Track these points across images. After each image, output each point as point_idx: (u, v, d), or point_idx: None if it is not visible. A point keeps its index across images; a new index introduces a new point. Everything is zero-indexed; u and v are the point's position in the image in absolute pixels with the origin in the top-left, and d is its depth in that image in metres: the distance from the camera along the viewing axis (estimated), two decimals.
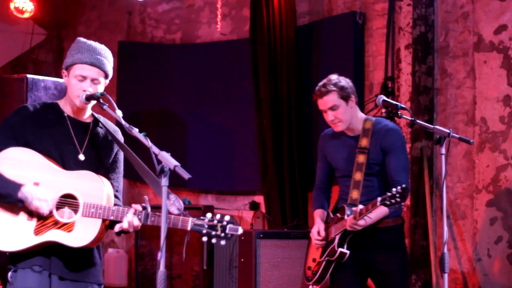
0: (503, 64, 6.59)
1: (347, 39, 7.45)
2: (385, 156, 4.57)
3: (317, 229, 4.68)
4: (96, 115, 3.77)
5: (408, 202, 6.85)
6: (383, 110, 7.03)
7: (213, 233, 3.46)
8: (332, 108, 4.58)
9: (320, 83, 4.66)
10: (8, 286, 3.59)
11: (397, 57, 7.06)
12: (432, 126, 4.28)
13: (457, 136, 4.25)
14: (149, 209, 3.53)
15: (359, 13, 7.44)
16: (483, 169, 6.66)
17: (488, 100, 6.66)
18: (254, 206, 8.13)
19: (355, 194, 4.56)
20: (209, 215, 3.50)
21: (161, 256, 3.14)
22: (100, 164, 3.69)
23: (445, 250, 4.04)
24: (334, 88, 4.58)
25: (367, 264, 4.60)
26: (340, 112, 4.58)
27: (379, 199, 4.27)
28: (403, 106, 4.29)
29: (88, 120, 3.73)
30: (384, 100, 4.38)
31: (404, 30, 7.00)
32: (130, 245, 8.91)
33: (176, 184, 7.70)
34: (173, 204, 3.46)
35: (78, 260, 3.63)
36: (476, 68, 6.74)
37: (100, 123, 3.75)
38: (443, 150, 4.13)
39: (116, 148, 3.77)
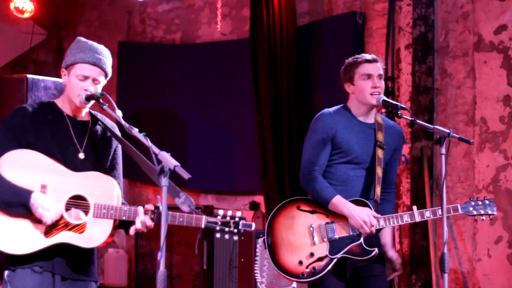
0: (503, 64, 6.59)
1: (347, 39, 7.45)
2: (391, 156, 4.50)
3: (371, 214, 4.27)
4: (93, 112, 3.76)
5: (407, 202, 6.86)
6: (383, 110, 7.03)
7: (227, 229, 3.51)
8: (380, 77, 4.39)
9: (361, 55, 4.44)
10: (4, 286, 3.56)
11: (397, 57, 7.06)
12: (432, 126, 4.27)
13: (457, 136, 4.24)
14: (161, 208, 3.52)
15: (359, 13, 7.44)
16: (483, 169, 6.66)
17: (488, 100, 6.67)
18: (254, 206, 8.14)
19: (378, 190, 4.38)
20: (221, 211, 3.54)
21: (161, 256, 3.14)
22: (100, 162, 3.69)
23: (445, 250, 4.04)
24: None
25: (350, 268, 4.37)
26: (383, 84, 4.41)
27: (459, 206, 4.26)
28: (403, 106, 4.27)
29: (86, 119, 3.72)
30: (384, 100, 4.37)
31: (404, 30, 7.00)
32: (130, 245, 8.91)
33: (176, 184, 7.70)
34: (184, 202, 3.46)
35: (80, 259, 3.63)
36: (476, 68, 6.74)
37: (98, 121, 3.74)
38: (443, 150, 4.12)
39: (114, 145, 3.76)
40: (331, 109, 4.45)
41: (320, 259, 4.29)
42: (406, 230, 6.88)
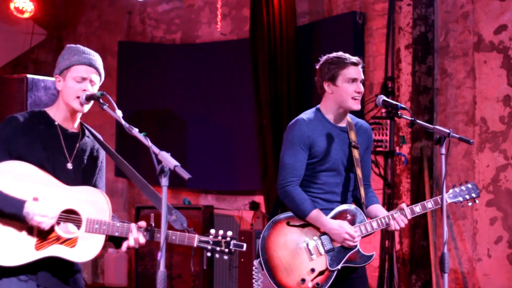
0: (503, 64, 6.59)
1: (347, 39, 7.45)
2: (364, 154, 4.44)
3: (350, 229, 4.20)
4: (84, 124, 3.75)
5: (407, 202, 6.86)
6: (383, 110, 7.04)
7: (218, 249, 3.54)
8: (362, 81, 4.31)
9: (344, 54, 4.33)
10: None
11: (397, 57, 7.06)
12: (432, 126, 4.26)
13: (457, 136, 4.24)
14: (154, 225, 3.54)
15: (359, 13, 7.44)
16: (483, 169, 6.66)
17: (488, 100, 6.67)
18: (254, 206, 8.13)
19: (363, 192, 4.35)
20: (212, 231, 3.56)
21: (161, 256, 3.14)
22: (88, 173, 3.69)
23: (445, 250, 4.04)
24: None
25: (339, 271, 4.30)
26: (363, 88, 4.34)
27: (449, 195, 4.25)
28: (403, 106, 4.26)
29: (77, 130, 3.71)
30: (384, 100, 4.35)
31: (404, 30, 7.00)
32: None
33: (176, 184, 7.71)
34: (177, 220, 3.46)
35: (65, 270, 3.62)
36: (476, 68, 6.74)
37: (88, 133, 3.74)
38: (443, 150, 4.11)
39: (101, 156, 3.76)
40: (305, 116, 4.36)
41: (321, 273, 4.23)
42: (406, 230, 6.88)
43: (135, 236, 3.53)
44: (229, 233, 3.55)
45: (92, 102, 3.62)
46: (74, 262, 3.65)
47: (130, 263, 8.93)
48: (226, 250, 3.53)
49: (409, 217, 4.29)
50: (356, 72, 4.30)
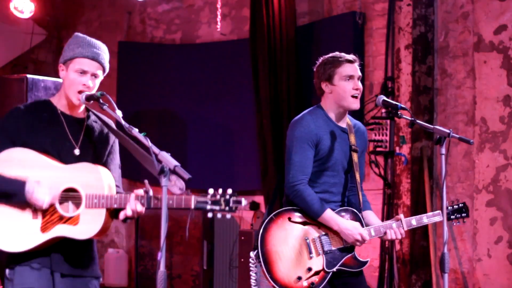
0: (503, 64, 6.60)
1: (347, 39, 7.45)
2: (359, 158, 4.42)
3: (363, 230, 4.25)
4: (90, 109, 3.76)
5: (407, 202, 6.86)
6: (383, 110, 7.04)
7: (217, 207, 3.41)
8: (359, 78, 4.31)
9: (339, 54, 4.33)
10: (7, 283, 3.59)
11: (397, 57, 7.06)
12: (432, 126, 4.26)
13: (457, 136, 4.25)
14: (151, 192, 3.50)
15: (359, 13, 7.45)
16: (483, 169, 6.66)
17: (488, 100, 6.67)
18: (254, 206, 8.13)
19: (361, 197, 4.36)
20: (211, 190, 3.42)
21: (161, 256, 3.14)
22: (97, 157, 3.70)
23: (445, 250, 4.04)
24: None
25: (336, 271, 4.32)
26: (361, 85, 4.33)
27: (443, 212, 4.25)
28: (403, 106, 4.26)
29: (82, 115, 3.73)
30: (384, 100, 4.35)
31: (404, 30, 7.00)
32: (130, 245, 8.92)
33: None
34: (174, 184, 3.42)
35: (78, 256, 3.65)
36: (476, 68, 6.74)
37: (93, 117, 3.75)
38: (443, 150, 4.12)
39: (111, 140, 3.77)
40: (309, 114, 4.32)
41: (317, 273, 4.23)
42: (406, 230, 6.87)
43: (132, 206, 3.51)
44: (229, 190, 3.44)
45: (92, 101, 3.63)
46: (90, 249, 3.68)
47: (130, 263, 8.93)
48: (227, 208, 3.41)
49: (406, 229, 4.35)
50: (352, 69, 4.30)
